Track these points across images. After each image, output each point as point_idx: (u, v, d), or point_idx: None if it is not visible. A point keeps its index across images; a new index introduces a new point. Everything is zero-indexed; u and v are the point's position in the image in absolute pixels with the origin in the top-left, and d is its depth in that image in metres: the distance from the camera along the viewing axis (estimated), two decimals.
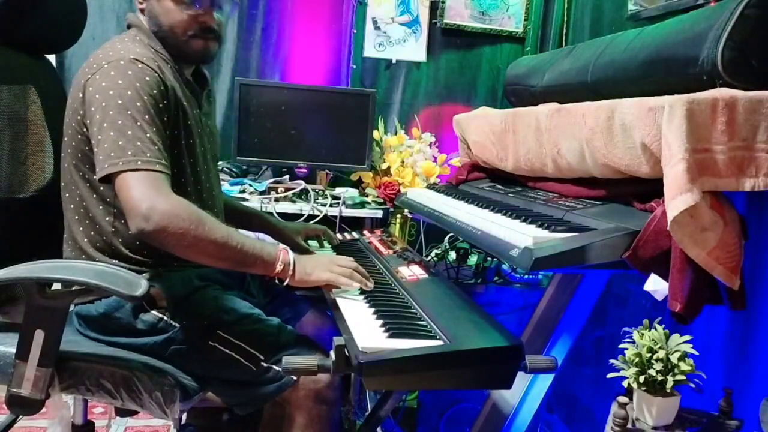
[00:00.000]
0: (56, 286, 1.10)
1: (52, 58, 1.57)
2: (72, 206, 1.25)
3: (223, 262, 1.16)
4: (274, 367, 1.16)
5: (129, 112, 1.13)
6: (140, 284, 1.03)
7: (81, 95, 1.17)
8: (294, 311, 1.49)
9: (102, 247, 1.23)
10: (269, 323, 1.23)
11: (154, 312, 1.21)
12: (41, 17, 1.38)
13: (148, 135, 1.13)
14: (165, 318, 1.20)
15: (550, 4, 2.64)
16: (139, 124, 1.13)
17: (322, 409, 1.17)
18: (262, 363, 1.17)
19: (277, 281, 1.21)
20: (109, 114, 1.12)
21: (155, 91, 1.17)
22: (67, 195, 1.26)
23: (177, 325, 1.20)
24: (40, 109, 1.38)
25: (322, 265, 1.23)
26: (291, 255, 1.20)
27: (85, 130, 1.18)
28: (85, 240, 1.24)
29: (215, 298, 1.25)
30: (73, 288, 1.07)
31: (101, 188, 1.20)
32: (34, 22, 1.37)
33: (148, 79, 1.16)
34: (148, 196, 1.09)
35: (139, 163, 1.11)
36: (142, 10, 1.29)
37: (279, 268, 1.18)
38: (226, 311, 1.22)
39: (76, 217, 1.24)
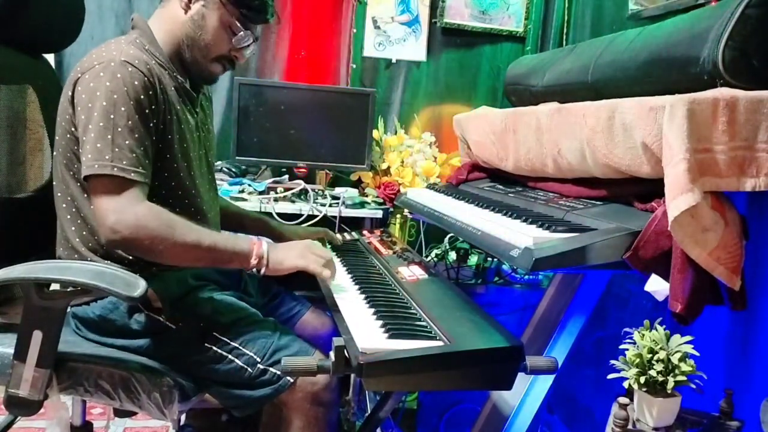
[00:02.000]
0: (54, 286, 1.10)
1: (50, 57, 1.57)
2: (64, 205, 1.24)
3: (199, 263, 1.18)
4: (271, 369, 1.15)
5: (111, 117, 1.12)
6: (138, 284, 1.03)
7: (70, 94, 1.17)
8: (292, 311, 1.49)
9: (94, 246, 1.22)
10: (266, 324, 1.23)
11: (149, 313, 1.20)
12: (40, 17, 1.38)
13: (127, 142, 1.12)
14: (160, 319, 1.20)
15: (551, 3, 2.64)
16: (119, 129, 1.12)
17: (320, 411, 1.17)
18: (259, 365, 1.16)
19: (255, 271, 1.22)
20: (94, 116, 1.12)
21: (143, 96, 1.15)
22: (59, 194, 1.24)
23: (172, 326, 1.19)
24: (39, 108, 1.38)
25: (295, 251, 1.24)
26: (264, 246, 1.21)
27: (73, 129, 1.17)
28: (77, 239, 1.23)
29: (211, 299, 1.24)
30: (71, 288, 1.07)
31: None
32: (32, 22, 1.37)
33: (136, 83, 1.15)
34: (116, 208, 1.10)
35: (114, 169, 1.11)
36: (185, 11, 1.26)
37: (254, 261, 1.19)
38: (222, 312, 1.22)
39: (68, 217, 1.23)
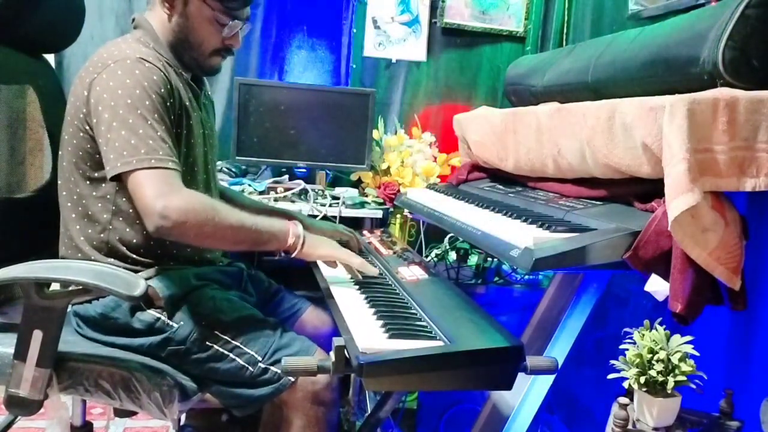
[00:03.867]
0: (54, 286, 1.10)
1: (50, 57, 1.57)
2: (69, 204, 1.24)
3: (241, 245, 1.20)
4: (272, 368, 1.16)
5: (139, 111, 1.13)
6: (139, 284, 1.03)
7: (86, 94, 1.17)
8: (292, 310, 1.49)
9: (98, 245, 1.23)
10: (267, 323, 1.23)
11: (151, 311, 1.20)
12: (40, 17, 1.38)
13: (158, 133, 1.14)
14: (162, 318, 1.20)
15: (551, 3, 2.64)
16: (149, 122, 1.13)
17: (320, 411, 1.17)
18: (260, 364, 1.16)
19: (282, 254, 1.25)
20: (119, 113, 1.12)
21: (162, 90, 1.17)
22: (64, 193, 1.25)
23: (174, 325, 1.19)
24: (39, 108, 1.38)
25: (329, 243, 1.30)
26: (300, 228, 1.25)
27: (88, 128, 1.17)
28: (82, 238, 1.23)
29: (213, 298, 1.24)
30: (72, 288, 1.07)
31: (102, 186, 1.20)
32: (32, 22, 1.37)
33: (155, 78, 1.17)
34: (163, 194, 1.09)
35: (152, 161, 1.11)
36: (169, 16, 1.26)
37: (291, 240, 1.22)
38: (224, 311, 1.22)
39: (73, 215, 1.24)
